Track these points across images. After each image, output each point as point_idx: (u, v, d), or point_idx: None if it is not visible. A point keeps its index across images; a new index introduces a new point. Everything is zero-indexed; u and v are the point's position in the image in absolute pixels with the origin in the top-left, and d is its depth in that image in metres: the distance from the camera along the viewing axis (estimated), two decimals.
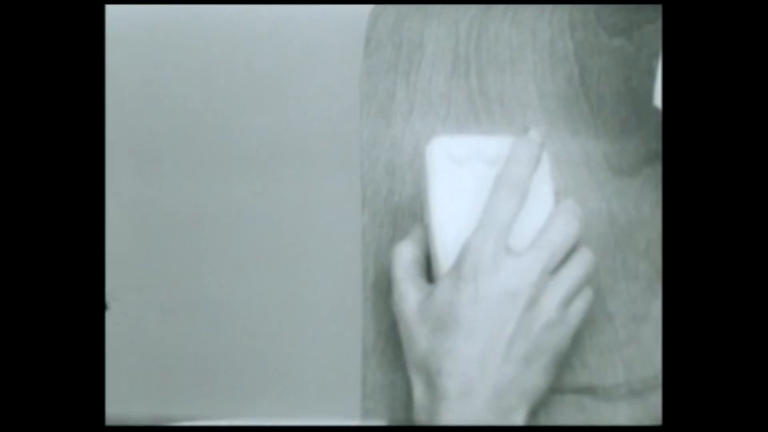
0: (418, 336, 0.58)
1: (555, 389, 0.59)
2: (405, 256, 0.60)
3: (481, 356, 0.55)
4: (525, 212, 0.58)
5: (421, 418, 0.57)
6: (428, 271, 0.61)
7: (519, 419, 0.56)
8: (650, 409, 0.60)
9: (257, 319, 1.40)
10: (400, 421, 0.61)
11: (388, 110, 0.70)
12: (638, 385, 0.61)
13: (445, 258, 0.58)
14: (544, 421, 0.60)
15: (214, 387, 1.37)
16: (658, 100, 0.60)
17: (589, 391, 0.61)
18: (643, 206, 0.66)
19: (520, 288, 0.56)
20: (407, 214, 0.66)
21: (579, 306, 0.59)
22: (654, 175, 0.66)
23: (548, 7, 0.73)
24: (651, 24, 0.71)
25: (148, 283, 1.44)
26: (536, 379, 0.57)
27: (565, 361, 0.60)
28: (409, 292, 0.59)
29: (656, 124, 0.68)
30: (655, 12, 0.71)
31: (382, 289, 0.64)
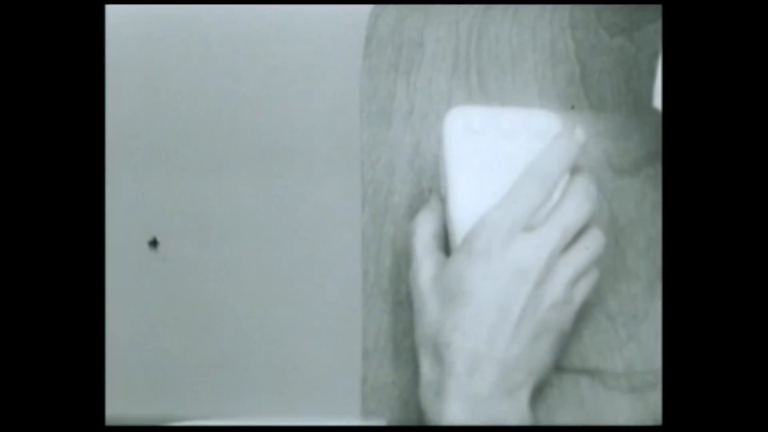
0: (428, 307, 0.58)
1: (559, 368, 0.60)
2: (425, 229, 0.60)
3: (489, 333, 0.56)
4: None
5: (428, 396, 0.57)
6: (447, 243, 0.61)
7: (524, 397, 0.56)
8: (651, 408, 0.60)
9: (257, 320, 1.40)
10: (400, 421, 0.61)
11: (388, 110, 0.70)
12: (638, 382, 0.61)
13: (460, 229, 0.59)
14: (547, 398, 0.60)
15: (214, 387, 1.37)
16: (658, 101, 0.60)
17: (591, 373, 0.61)
18: (643, 206, 0.66)
19: (531, 266, 0.56)
20: (407, 214, 0.66)
21: (584, 285, 0.59)
22: (654, 174, 0.66)
23: (549, 7, 0.72)
24: (651, 24, 0.71)
25: (148, 283, 1.44)
26: (542, 356, 0.57)
27: (569, 339, 0.60)
28: (425, 265, 0.59)
29: (656, 123, 0.67)
30: (655, 12, 0.71)
31: (383, 289, 0.64)
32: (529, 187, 0.58)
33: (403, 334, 0.63)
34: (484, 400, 0.55)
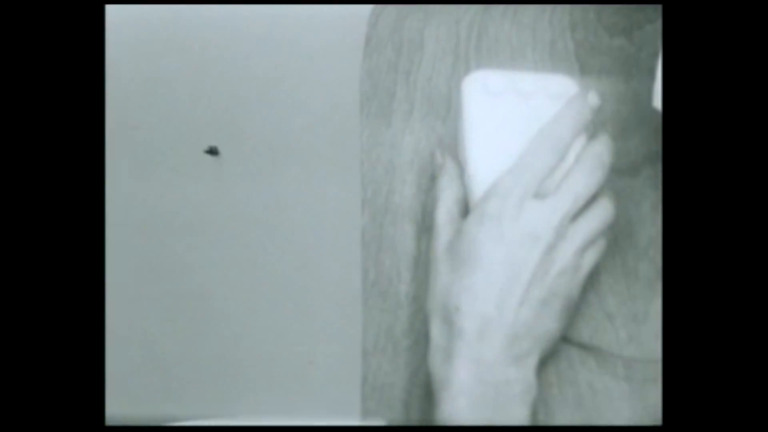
0: (440, 272, 0.58)
1: (564, 339, 0.60)
2: (447, 196, 0.61)
3: (498, 297, 0.56)
4: None
5: (436, 361, 0.57)
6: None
7: (531, 364, 0.57)
8: (650, 408, 0.60)
9: (257, 320, 1.41)
10: (400, 421, 0.61)
11: (388, 110, 0.70)
12: (638, 375, 0.61)
13: (477, 193, 0.59)
14: (547, 398, 0.60)
15: (214, 387, 1.38)
16: (658, 101, 0.60)
17: (593, 350, 0.61)
18: (643, 206, 0.66)
19: (542, 232, 0.57)
20: (407, 214, 0.66)
21: (592, 253, 0.59)
22: (654, 174, 0.66)
23: (548, 7, 0.73)
24: (651, 24, 0.71)
25: (148, 283, 1.44)
26: (549, 323, 0.57)
27: (575, 309, 0.60)
28: (444, 232, 0.60)
29: (656, 124, 0.68)
30: (656, 12, 0.71)
31: (382, 289, 0.64)
32: (540, 152, 0.58)
33: (403, 334, 0.63)
34: (492, 365, 0.55)
